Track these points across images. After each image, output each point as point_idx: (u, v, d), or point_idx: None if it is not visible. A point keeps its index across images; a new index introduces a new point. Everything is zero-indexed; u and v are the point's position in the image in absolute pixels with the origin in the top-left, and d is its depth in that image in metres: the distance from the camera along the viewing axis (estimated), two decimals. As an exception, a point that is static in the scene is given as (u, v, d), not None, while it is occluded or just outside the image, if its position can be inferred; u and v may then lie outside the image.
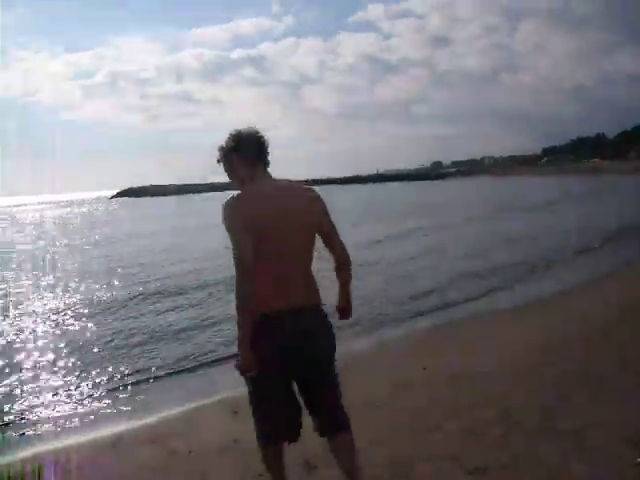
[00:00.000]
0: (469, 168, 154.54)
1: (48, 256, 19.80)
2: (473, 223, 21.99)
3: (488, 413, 3.73)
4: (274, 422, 2.44)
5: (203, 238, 20.79)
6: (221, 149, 2.48)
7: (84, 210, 70.62)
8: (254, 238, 2.25)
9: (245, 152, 2.43)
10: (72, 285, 12.76)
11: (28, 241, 27.39)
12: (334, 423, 2.45)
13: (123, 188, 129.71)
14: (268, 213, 2.31)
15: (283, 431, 2.48)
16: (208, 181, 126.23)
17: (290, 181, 2.53)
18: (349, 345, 6.15)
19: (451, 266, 12.21)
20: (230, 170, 2.50)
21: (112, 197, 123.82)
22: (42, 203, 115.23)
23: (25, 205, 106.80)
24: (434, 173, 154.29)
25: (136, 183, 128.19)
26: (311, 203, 2.45)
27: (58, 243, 25.01)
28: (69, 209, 74.13)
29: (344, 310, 2.61)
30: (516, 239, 15.70)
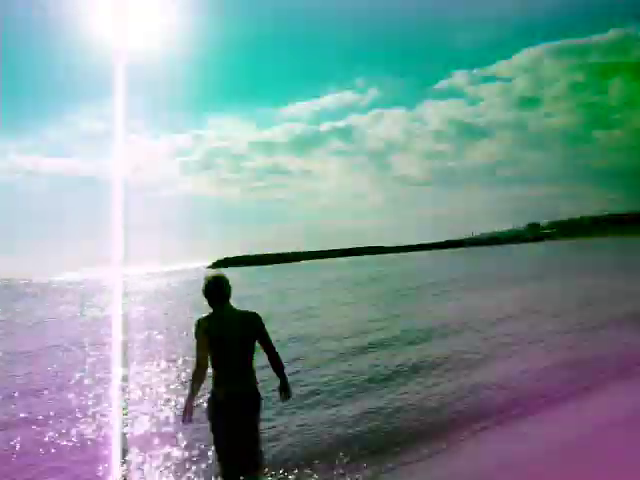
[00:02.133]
0: (569, 229, 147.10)
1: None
2: None
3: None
4: (227, 465, 3.90)
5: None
6: (202, 289, 4.02)
7: (190, 279, 72.26)
8: (209, 345, 3.84)
9: (209, 292, 4.00)
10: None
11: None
12: (250, 465, 3.89)
13: (219, 258, 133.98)
14: (218, 330, 3.88)
15: (235, 472, 3.86)
16: (302, 249, 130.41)
17: (238, 310, 4.03)
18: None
19: None
20: (207, 300, 4.00)
21: (208, 267, 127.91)
22: (148, 274, 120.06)
23: (130, 276, 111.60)
24: (532, 235, 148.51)
25: (232, 253, 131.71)
26: (249, 322, 3.99)
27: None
28: (177, 278, 76.15)
29: (283, 392, 4.14)
30: None
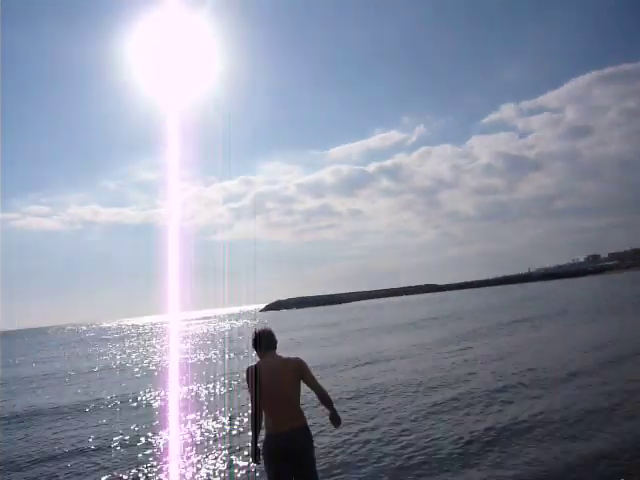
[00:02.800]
0: (632, 260, 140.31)
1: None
2: None
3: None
4: None
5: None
6: (253, 339, 4.68)
7: (250, 322, 72.13)
8: (261, 390, 4.29)
9: (260, 343, 4.63)
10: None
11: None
12: None
13: (272, 301, 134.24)
14: (267, 374, 4.37)
15: None
16: (354, 290, 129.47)
17: (284, 357, 4.57)
18: None
19: None
20: (255, 350, 4.68)
21: (262, 310, 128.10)
22: (203, 318, 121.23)
23: (185, 320, 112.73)
24: (592, 267, 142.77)
25: (284, 295, 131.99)
26: (292, 366, 4.45)
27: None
28: (236, 322, 76.11)
29: (333, 420, 4.54)
30: None
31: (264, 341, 4.62)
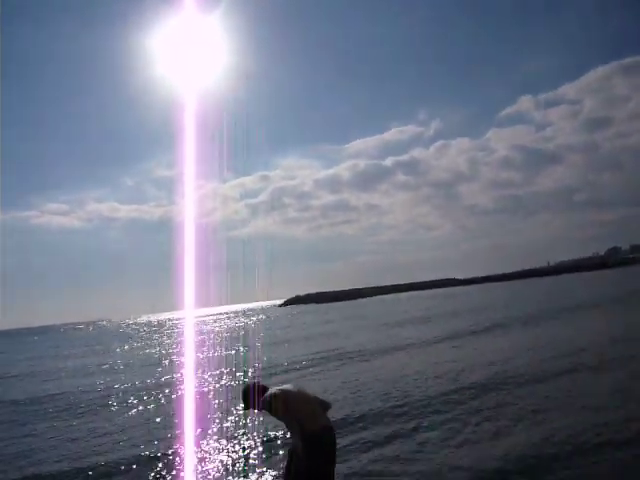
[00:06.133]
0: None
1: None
2: None
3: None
4: None
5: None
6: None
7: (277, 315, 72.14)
8: None
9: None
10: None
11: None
12: None
13: (290, 296, 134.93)
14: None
15: None
16: (372, 284, 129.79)
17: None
18: None
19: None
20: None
21: (280, 305, 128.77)
22: (222, 313, 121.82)
23: (210, 315, 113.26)
24: (613, 260, 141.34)
25: (302, 291, 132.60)
26: None
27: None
28: (256, 317, 76.21)
29: None
30: None
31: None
